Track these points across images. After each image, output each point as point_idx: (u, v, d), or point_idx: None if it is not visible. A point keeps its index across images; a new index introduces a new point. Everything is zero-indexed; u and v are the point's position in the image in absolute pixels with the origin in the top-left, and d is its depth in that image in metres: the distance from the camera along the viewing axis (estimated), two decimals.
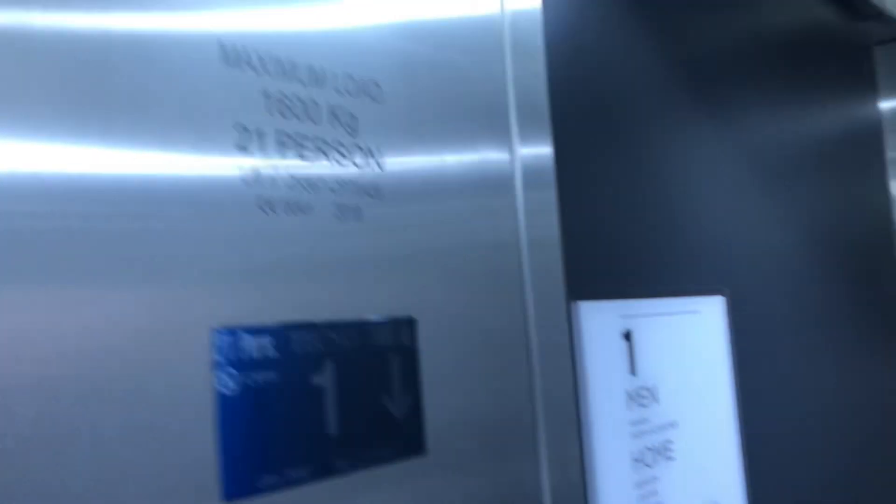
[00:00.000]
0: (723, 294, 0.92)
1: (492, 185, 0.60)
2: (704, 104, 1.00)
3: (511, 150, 0.62)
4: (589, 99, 0.83)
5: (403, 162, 0.53)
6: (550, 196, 0.66)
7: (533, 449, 0.61)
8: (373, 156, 0.51)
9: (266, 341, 0.43)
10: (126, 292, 0.37)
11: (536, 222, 0.63)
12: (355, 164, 0.50)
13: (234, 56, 0.44)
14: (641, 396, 0.81)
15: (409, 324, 0.52)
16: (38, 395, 0.34)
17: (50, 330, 0.35)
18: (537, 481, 0.61)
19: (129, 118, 0.39)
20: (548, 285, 0.64)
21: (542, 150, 0.66)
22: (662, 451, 0.83)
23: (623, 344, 0.79)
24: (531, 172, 0.64)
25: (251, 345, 0.42)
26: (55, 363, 0.35)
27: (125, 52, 0.39)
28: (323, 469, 0.45)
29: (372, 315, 0.49)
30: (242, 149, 0.43)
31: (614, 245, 0.82)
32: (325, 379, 0.46)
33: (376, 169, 0.51)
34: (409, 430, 0.50)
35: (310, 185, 0.47)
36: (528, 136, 0.64)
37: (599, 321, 0.76)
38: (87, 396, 0.36)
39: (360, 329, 0.48)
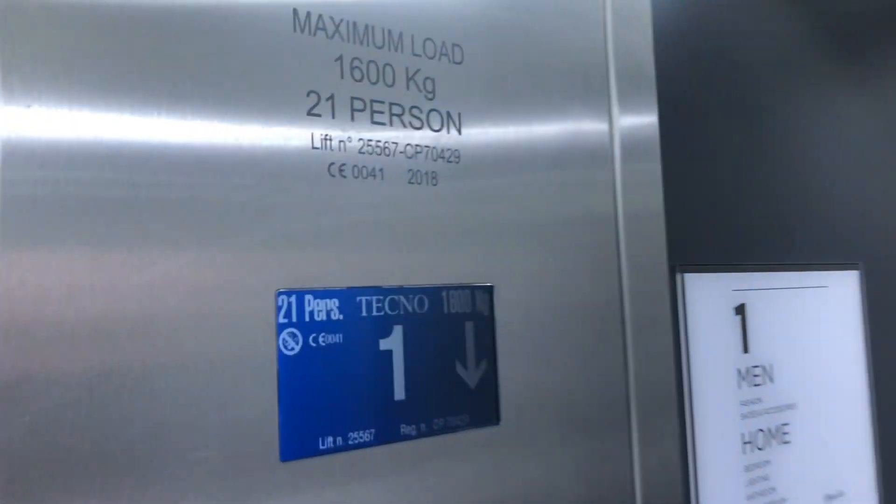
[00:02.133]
0: (857, 268, 0.84)
1: (586, 154, 0.57)
2: (835, 64, 0.90)
3: (610, 120, 0.59)
4: (697, 62, 0.78)
5: (486, 128, 0.52)
6: (654, 167, 0.62)
7: (625, 427, 0.58)
8: (452, 121, 0.50)
9: (333, 304, 0.44)
10: (197, 253, 0.39)
11: (636, 195, 0.60)
12: (432, 128, 0.49)
13: (308, 22, 0.44)
14: (755, 375, 0.76)
15: (486, 291, 0.51)
16: (118, 347, 0.36)
17: (124, 289, 0.37)
18: (628, 461, 0.58)
19: (201, 87, 0.40)
20: (648, 257, 0.61)
21: (645, 120, 0.62)
22: (777, 434, 0.78)
23: (735, 319, 0.74)
24: (632, 142, 0.61)
25: (317, 308, 0.43)
26: (130, 317, 0.37)
27: (198, 21, 0.40)
28: (388, 434, 0.45)
29: (446, 281, 0.49)
30: (314, 115, 0.44)
31: (729, 216, 0.76)
32: (393, 343, 0.46)
33: (455, 134, 0.50)
34: (482, 398, 0.50)
35: (382, 149, 0.46)
36: (630, 104, 0.61)
37: (708, 294, 0.72)
38: (157, 351, 0.38)
39: (431, 294, 0.48)
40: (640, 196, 0.61)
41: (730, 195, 0.77)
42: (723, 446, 0.73)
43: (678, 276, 0.69)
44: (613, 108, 0.60)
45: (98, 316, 0.36)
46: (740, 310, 0.74)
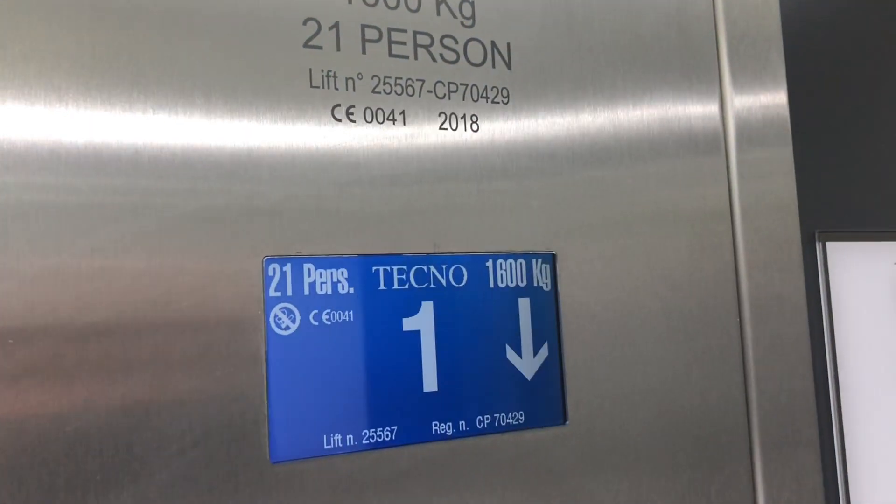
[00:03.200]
0: None
1: (671, 89, 0.46)
2: None
3: (717, 55, 0.48)
4: (827, 30, 0.63)
5: (544, 62, 0.42)
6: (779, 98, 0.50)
7: (743, 436, 0.46)
8: (498, 52, 0.41)
9: (341, 275, 0.36)
10: (163, 214, 0.33)
11: (751, 129, 0.48)
12: (471, 61, 0.40)
13: None
14: None
15: (545, 260, 0.41)
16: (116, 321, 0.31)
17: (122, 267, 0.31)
18: (749, 482, 0.46)
19: (185, 24, 0.34)
20: (772, 219, 0.49)
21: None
22: None
23: None
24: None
25: (319, 279, 0.36)
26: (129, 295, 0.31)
27: None
28: (415, 432, 0.37)
29: (491, 248, 0.40)
30: (313, 46, 0.36)
31: (891, 170, 0.61)
32: (420, 323, 0.38)
33: (503, 68, 0.41)
34: (542, 392, 0.40)
35: (404, 88, 0.38)
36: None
37: (861, 267, 0.57)
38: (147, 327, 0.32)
39: (472, 264, 0.39)
40: (759, 134, 0.48)
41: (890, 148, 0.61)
42: (882, 442, 0.58)
43: (818, 246, 0.56)
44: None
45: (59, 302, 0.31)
46: None
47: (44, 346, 0.30)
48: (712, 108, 0.47)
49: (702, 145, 0.46)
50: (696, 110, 0.46)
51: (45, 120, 0.31)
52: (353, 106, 0.37)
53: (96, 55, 0.32)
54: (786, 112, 0.50)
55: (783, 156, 0.49)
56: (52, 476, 0.30)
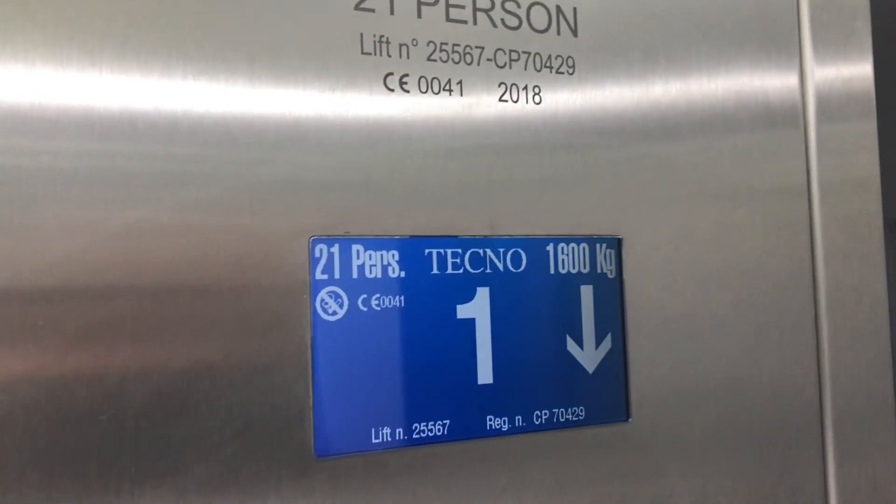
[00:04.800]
0: None
1: (749, 62, 0.43)
2: None
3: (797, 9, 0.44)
4: None
5: (614, 30, 0.39)
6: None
7: (815, 433, 0.43)
8: (564, 18, 0.37)
9: (391, 258, 0.33)
10: (204, 190, 0.30)
11: (830, 100, 0.44)
12: (534, 27, 0.37)
13: None
14: None
15: (610, 245, 0.38)
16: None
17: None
18: (821, 481, 0.43)
19: None
20: (852, 200, 0.45)
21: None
22: None
23: None
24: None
25: (368, 261, 0.33)
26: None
27: None
28: (468, 427, 0.34)
29: (551, 231, 0.37)
30: (364, 9, 0.33)
31: None
32: (475, 310, 0.35)
33: (569, 36, 0.38)
34: (604, 387, 0.37)
35: (462, 55, 0.35)
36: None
37: None
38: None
39: (531, 248, 0.36)
40: (841, 109, 0.45)
41: None
42: None
43: None
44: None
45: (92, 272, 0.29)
46: None
47: (74, 330, 0.28)
48: (791, 81, 0.43)
49: (779, 120, 0.43)
50: (773, 83, 0.43)
51: (77, 85, 0.29)
52: (407, 74, 0.34)
53: (132, 16, 0.30)
54: (871, 86, 0.46)
55: (866, 132, 0.45)
56: (84, 467, 0.28)
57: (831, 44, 0.45)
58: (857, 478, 0.44)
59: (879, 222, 0.46)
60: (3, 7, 0.28)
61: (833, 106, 0.44)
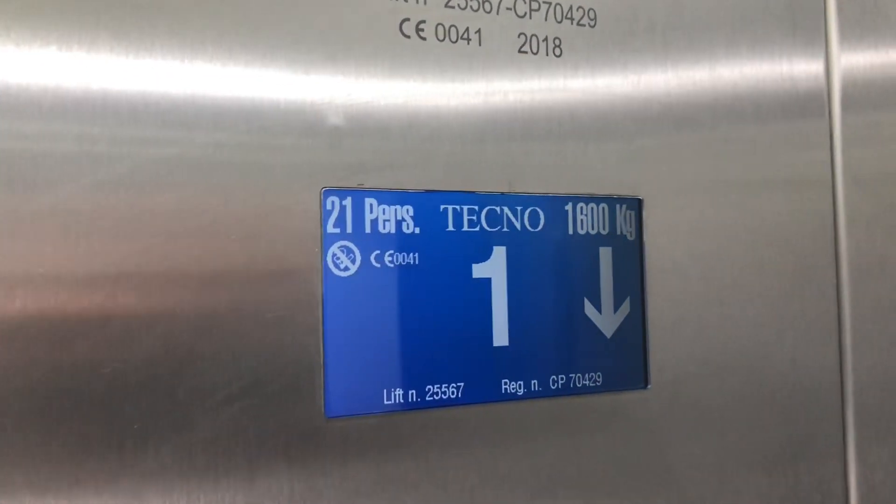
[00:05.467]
0: None
1: (774, 19, 0.41)
2: None
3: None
4: None
5: None
6: None
7: (836, 412, 0.42)
8: None
9: (406, 213, 0.32)
10: (212, 137, 0.29)
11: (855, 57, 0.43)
12: None
13: None
14: None
15: (630, 206, 0.37)
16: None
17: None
18: (841, 465, 0.42)
19: None
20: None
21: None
22: None
23: None
24: None
25: (382, 215, 0.32)
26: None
27: None
28: (483, 390, 0.33)
29: (571, 189, 0.35)
30: None
31: None
32: (492, 270, 0.34)
33: None
34: (622, 352, 0.36)
35: (481, 4, 0.34)
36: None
37: None
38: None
39: (549, 206, 0.35)
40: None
41: None
42: None
43: None
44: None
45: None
46: None
47: (76, 278, 0.27)
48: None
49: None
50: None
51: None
52: (424, 21, 0.32)
53: None
54: None
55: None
56: (85, 423, 0.27)
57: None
58: (878, 451, 0.43)
59: None
60: None
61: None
